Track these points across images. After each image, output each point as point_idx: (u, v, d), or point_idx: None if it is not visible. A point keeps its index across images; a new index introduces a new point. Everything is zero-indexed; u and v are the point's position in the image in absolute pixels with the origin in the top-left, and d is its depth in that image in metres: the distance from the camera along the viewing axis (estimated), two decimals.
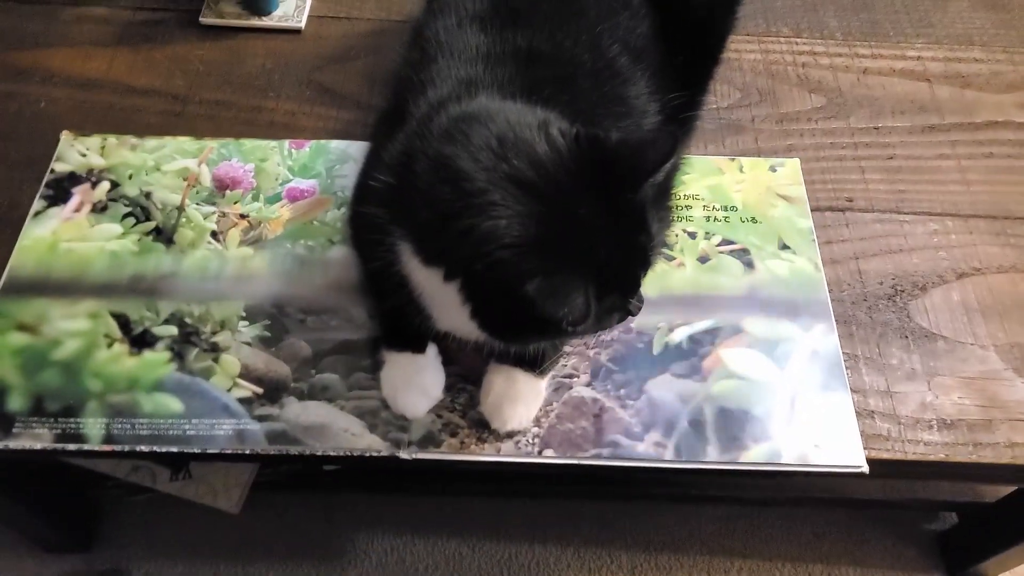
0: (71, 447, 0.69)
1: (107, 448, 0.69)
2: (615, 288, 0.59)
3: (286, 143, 0.90)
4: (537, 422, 0.73)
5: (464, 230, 0.55)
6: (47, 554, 1.12)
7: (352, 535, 1.15)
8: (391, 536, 1.15)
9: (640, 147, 0.59)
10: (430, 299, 0.62)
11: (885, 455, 0.74)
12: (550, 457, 0.71)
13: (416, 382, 0.71)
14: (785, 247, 0.84)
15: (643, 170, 0.58)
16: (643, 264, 0.61)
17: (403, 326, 0.69)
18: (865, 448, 0.73)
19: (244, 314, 0.77)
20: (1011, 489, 1.01)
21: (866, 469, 0.71)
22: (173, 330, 0.76)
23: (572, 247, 0.56)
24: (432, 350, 0.73)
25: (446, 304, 0.59)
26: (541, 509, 1.19)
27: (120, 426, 0.70)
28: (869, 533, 1.20)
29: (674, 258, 0.83)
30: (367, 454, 0.70)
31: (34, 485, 1.01)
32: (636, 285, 0.61)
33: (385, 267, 0.62)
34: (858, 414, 0.75)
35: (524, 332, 0.60)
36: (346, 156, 0.89)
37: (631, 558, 1.17)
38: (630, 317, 0.65)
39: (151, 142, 0.89)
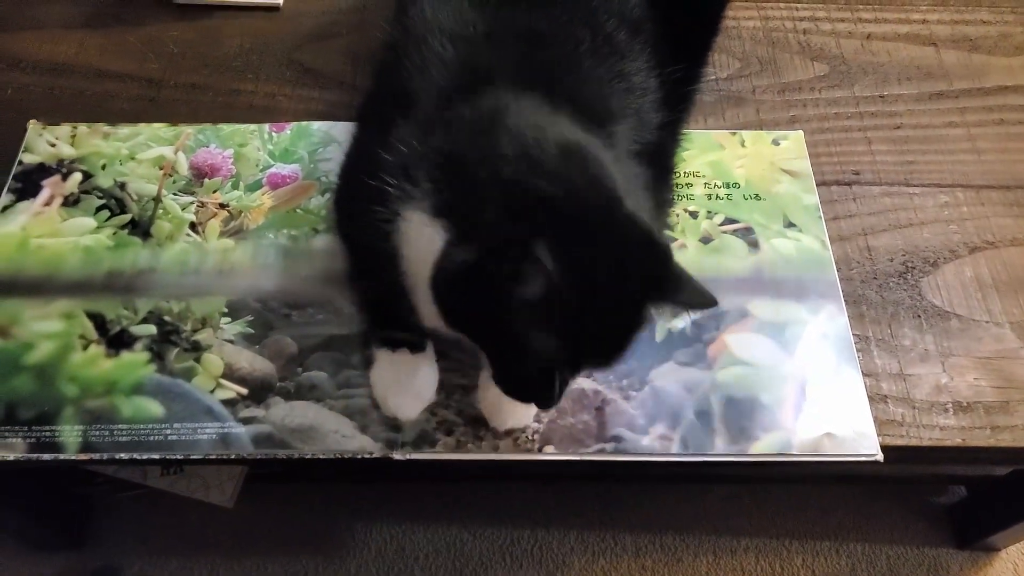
0: (46, 457, 0.66)
1: (84, 457, 0.66)
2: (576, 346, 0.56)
3: (266, 127, 0.86)
4: (537, 417, 0.69)
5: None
6: (38, 553, 1.10)
7: (350, 525, 1.13)
8: (390, 524, 1.13)
9: (693, 292, 0.60)
10: (416, 285, 0.59)
11: (900, 441, 0.71)
12: (551, 454, 0.69)
13: (408, 384, 0.68)
14: (791, 225, 0.81)
15: (676, 301, 0.61)
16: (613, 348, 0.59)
17: (393, 322, 0.66)
18: (879, 434, 0.70)
19: (226, 310, 0.74)
20: None
21: (880, 457, 0.69)
22: (152, 329, 0.73)
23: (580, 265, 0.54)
24: (427, 348, 0.69)
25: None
26: (542, 493, 1.17)
27: (98, 433, 0.67)
28: (878, 508, 1.18)
29: (675, 239, 0.79)
30: (358, 456, 0.67)
31: (21, 484, 0.98)
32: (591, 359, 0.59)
33: (377, 245, 0.60)
34: (871, 399, 0.72)
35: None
36: (329, 138, 0.85)
37: (635, 540, 1.15)
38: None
39: (124, 129, 0.85)
